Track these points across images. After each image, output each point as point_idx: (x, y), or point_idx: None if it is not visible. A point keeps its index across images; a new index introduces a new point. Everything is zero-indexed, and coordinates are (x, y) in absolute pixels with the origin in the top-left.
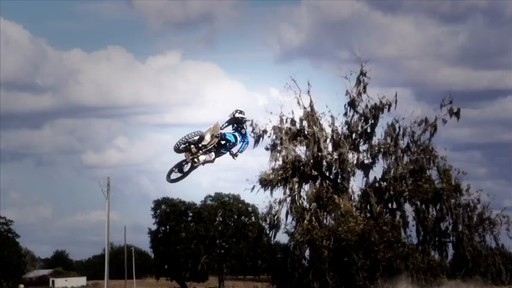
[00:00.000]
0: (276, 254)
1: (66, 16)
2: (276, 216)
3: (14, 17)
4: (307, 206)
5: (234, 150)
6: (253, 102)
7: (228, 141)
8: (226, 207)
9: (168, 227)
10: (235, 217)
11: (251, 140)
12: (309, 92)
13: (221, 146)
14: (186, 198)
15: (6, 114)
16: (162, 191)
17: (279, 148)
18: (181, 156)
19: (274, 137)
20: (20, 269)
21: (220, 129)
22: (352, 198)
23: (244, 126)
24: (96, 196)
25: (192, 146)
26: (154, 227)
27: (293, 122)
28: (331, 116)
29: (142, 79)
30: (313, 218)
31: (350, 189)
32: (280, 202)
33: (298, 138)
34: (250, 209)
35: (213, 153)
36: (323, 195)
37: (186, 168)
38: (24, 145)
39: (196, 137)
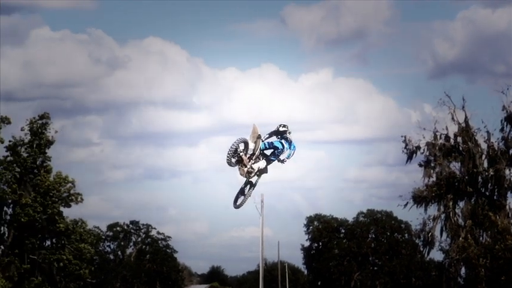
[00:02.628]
0: (431, 271)
1: (222, 36)
2: (430, 233)
3: (172, 37)
4: (463, 223)
5: (282, 157)
6: (406, 119)
7: (275, 148)
8: (379, 224)
9: (320, 244)
10: (388, 234)
11: (404, 156)
12: (463, 107)
13: (270, 154)
14: (338, 214)
15: (165, 132)
16: (314, 207)
17: (432, 164)
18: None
19: (427, 153)
20: (178, 284)
21: (264, 139)
22: (510, 215)
23: (288, 135)
24: (250, 212)
25: (242, 154)
26: (307, 243)
27: (447, 138)
28: (487, 132)
29: (295, 96)
30: (469, 235)
31: (507, 207)
32: (434, 219)
33: (453, 154)
34: (403, 225)
35: (263, 160)
36: (479, 212)
37: (247, 189)
38: (182, 163)
39: (241, 144)
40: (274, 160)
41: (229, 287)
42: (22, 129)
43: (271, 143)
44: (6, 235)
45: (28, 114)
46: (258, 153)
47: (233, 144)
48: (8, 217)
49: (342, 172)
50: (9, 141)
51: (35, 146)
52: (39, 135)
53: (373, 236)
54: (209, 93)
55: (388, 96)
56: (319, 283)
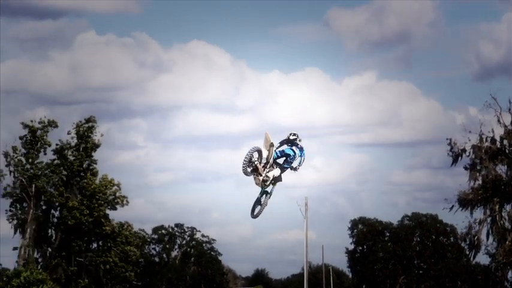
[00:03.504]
0: (477, 275)
1: (266, 39)
2: (476, 237)
3: (216, 41)
4: (509, 226)
5: (294, 164)
6: (451, 121)
7: (287, 155)
8: (424, 227)
9: (365, 247)
10: (434, 237)
11: (449, 159)
12: (510, 109)
13: (283, 162)
14: (382, 217)
15: (209, 135)
16: (358, 210)
17: (478, 167)
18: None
19: (473, 156)
20: (222, 287)
21: (276, 149)
22: None
23: (299, 142)
24: (294, 215)
25: (257, 163)
26: (351, 247)
27: (493, 140)
28: None
29: (339, 99)
30: None
31: None
32: (480, 222)
33: (499, 157)
34: (448, 229)
35: (278, 168)
36: None
37: (263, 199)
38: (225, 166)
39: (255, 152)
40: (287, 167)
41: None
42: (69, 133)
43: (283, 151)
44: (54, 238)
45: (74, 118)
46: (272, 161)
47: (247, 154)
48: (55, 220)
49: (386, 175)
50: (56, 144)
51: (81, 149)
52: (85, 139)
53: (418, 239)
54: (253, 96)
55: (432, 99)
56: (364, 286)
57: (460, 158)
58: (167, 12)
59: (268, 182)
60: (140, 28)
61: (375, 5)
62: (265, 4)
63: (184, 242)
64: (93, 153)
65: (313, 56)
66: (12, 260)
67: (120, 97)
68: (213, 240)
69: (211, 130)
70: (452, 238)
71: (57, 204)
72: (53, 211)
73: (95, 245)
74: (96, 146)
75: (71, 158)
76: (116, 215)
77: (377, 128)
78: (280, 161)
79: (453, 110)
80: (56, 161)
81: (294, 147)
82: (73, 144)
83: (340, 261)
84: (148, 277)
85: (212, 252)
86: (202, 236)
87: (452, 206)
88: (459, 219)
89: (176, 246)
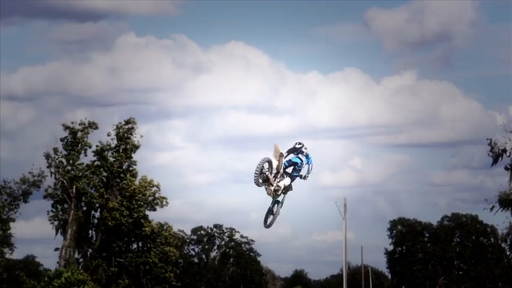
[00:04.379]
0: None
1: (304, 40)
2: None
3: (254, 42)
4: None
5: (303, 172)
6: (491, 121)
7: (295, 164)
8: (464, 227)
9: (404, 247)
10: (474, 238)
11: (489, 160)
12: None
13: (292, 170)
14: (422, 218)
15: (248, 136)
16: (397, 211)
17: None
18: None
19: None
20: (261, 287)
21: (284, 157)
22: None
23: (304, 150)
24: (333, 216)
25: (268, 173)
26: (390, 247)
27: None
28: None
29: (378, 99)
30: None
31: None
32: None
33: None
34: (489, 229)
35: (288, 178)
36: None
37: (275, 209)
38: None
39: (266, 163)
40: (297, 176)
41: None
42: (108, 135)
43: (290, 160)
44: (94, 238)
45: (114, 120)
46: (282, 171)
47: (258, 165)
48: (96, 221)
49: (426, 175)
50: (97, 146)
51: (121, 150)
52: (125, 140)
53: (458, 240)
54: (291, 97)
55: (472, 99)
56: (403, 287)
57: (500, 158)
58: (206, 14)
59: (279, 192)
60: (179, 30)
61: (414, 4)
62: (304, 5)
63: (223, 242)
64: (132, 155)
65: (352, 57)
66: (53, 261)
67: (159, 98)
68: (252, 240)
69: (250, 131)
70: (492, 239)
71: (97, 205)
72: (93, 212)
73: (134, 246)
74: (135, 147)
75: (111, 159)
76: (155, 216)
77: (417, 128)
78: (289, 170)
79: (493, 110)
80: (96, 163)
81: (300, 155)
82: (113, 145)
83: (380, 262)
84: (188, 278)
85: (251, 253)
86: (241, 236)
87: (493, 207)
88: (499, 220)
89: (215, 247)
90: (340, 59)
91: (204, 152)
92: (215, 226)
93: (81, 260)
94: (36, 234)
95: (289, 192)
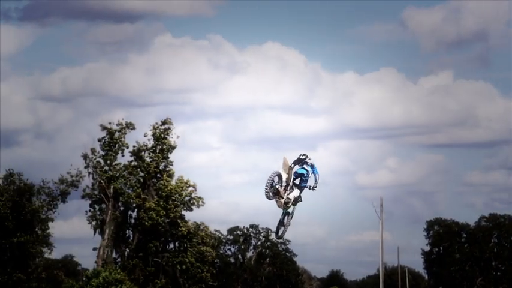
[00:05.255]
0: None
1: (340, 40)
2: None
3: (290, 42)
4: None
5: (311, 183)
6: None
7: (301, 175)
8: (502, 228)
9: (441, 248)
10: None
11: None
12: None
13: (299, 182)
14: (459, 219)
15: (283, 136)
16: (434, 211)
17: None
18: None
19: None
20: (297, 287)
21: (291, 168)
22: None
23: (309, 161)
24: (369, 216)
25: (278, 186)
26: (427, 248)
27: None
28: None
29: (414, 100)
30: None
31: None
32: None
33: None
34: None
35: (297, 189)
36: None
37: (286, 220)
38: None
39: (276, 177)
40: (305, 186)
41: None
42: (145, 135)
43: (295, 172)
44: (131, 238)
45: (150, 120)
46: (291, 183)
47: (269, 179)
48: (133, 221)
49: (462, 175)
50: (133, 146)
51: (158, 151)
52: (161, 141)
53: (496, 240)
54: (327, 97)
55: (509, 98)
56: None
57: None
58: (241, 15)
59: (290, 204)
60: (215, 30)
61: (451, 4)
62: (340, 4)
63: (259, 242)
64: (169, 155)
65: (388, 56)
66: (91, 261)
67: (195, 99)
68: (288, 241)
69: (285, 131)
70: None
71: (134, 205)
72: (130, 212)
73: (171, 246)
74: (172, 148)
75: (148, 159)
76: (192, 216)
77: (453, 128)
78: (297, 181)
79: None
80: (133, 163)
81: (305, 166)
82: (150, 146)
83: (416, 263)
84: (224, 278)
85: (287, 253)
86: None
87: None
88: None
89: (251, 247)
90: (376, 59)
91: (240, 152)
92: (251, 226)
93: (118, 259)
94: (75, 234)
95: (326, 192)
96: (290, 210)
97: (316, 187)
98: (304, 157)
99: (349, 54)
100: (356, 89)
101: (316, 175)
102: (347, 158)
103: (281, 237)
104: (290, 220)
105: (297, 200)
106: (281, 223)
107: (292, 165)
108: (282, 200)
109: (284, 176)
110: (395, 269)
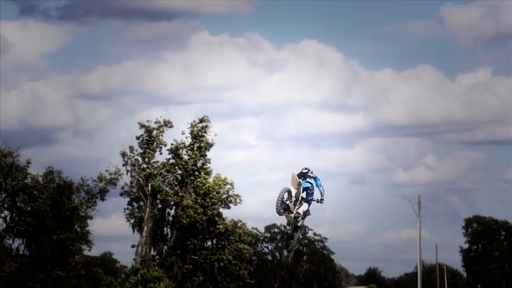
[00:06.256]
0: None
1: (377, 37)
2: None
3: (327, 40)
4: None
5: (317, 196)
6: None
7: (306, 188)
8: None
9: (480, 246)
10: None
11: None
12: None
13: (306, 195)
14: (498, 216)
15: (320, 134)
16: (472, 209)
17: None
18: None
19: None
20: (335, 285)
21: (300, 184)
22: None
23: (311, 174)
24: (407, 214)
25: (288, 202)
26: (465, 246)
27: None
28: None
29: (452, 97)
30: None
31: None
32: None
33: None
34: None
35: (305, 204)
36: None
37: (295, 234)
38: (337, 164)
39: (285, 193)
40: (312, 200)
41: None
42: (183, 133)
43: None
44: (169, 236)
45: (188, 118)
46: (300, 198)
47: (279, 196)
48: (171, 218)
49: (502, 173)
50: (171, 144)
51: (195, 148)
52: (199, 138)
53: None
54: (364, 94)
55: None
56: (479, 286)
57: None
58: (279, 12)
59: (299, 218)
60: (252, 28)
61: (488, 0)
62: (377, 2)
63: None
64: (206, 153)
65: (425, 53)
66: (130, 258)
67: (233, 96)
68: (325, 238)
69: (323, 128)
70: None
71: (172, 203)
72: (168, 210)
73: (209, 243)
74: (209, 145)
75: (186, 157)
76: (229, 214)
77: (492, 125)
78: (304, 195)
79: None
80: (171, 161)
81: (309, 179)
82: (187, 143)
83: (454, 261)
84: (262, 275)
85: (324, 251)
86: (315, 234)
87: None
88: None
89: None
90: (414, 56)
91: (277, 150)
92: (289, 224)
93: (156, 257)
94: (113, 232)
95: (363, 190)
96: (299, 224)
97: (323, 200)
98: (306, 171)
99: (386, 52)
100: (393, 86)
101: (321, 188)
102: (384, 156)
103: (291, 250)
104: (299, 234)
105: (306, 213)
106: (291, 237)
107: (301, 181)
108: (292, 215)
109: (293, 192)
110: (434, 267)
